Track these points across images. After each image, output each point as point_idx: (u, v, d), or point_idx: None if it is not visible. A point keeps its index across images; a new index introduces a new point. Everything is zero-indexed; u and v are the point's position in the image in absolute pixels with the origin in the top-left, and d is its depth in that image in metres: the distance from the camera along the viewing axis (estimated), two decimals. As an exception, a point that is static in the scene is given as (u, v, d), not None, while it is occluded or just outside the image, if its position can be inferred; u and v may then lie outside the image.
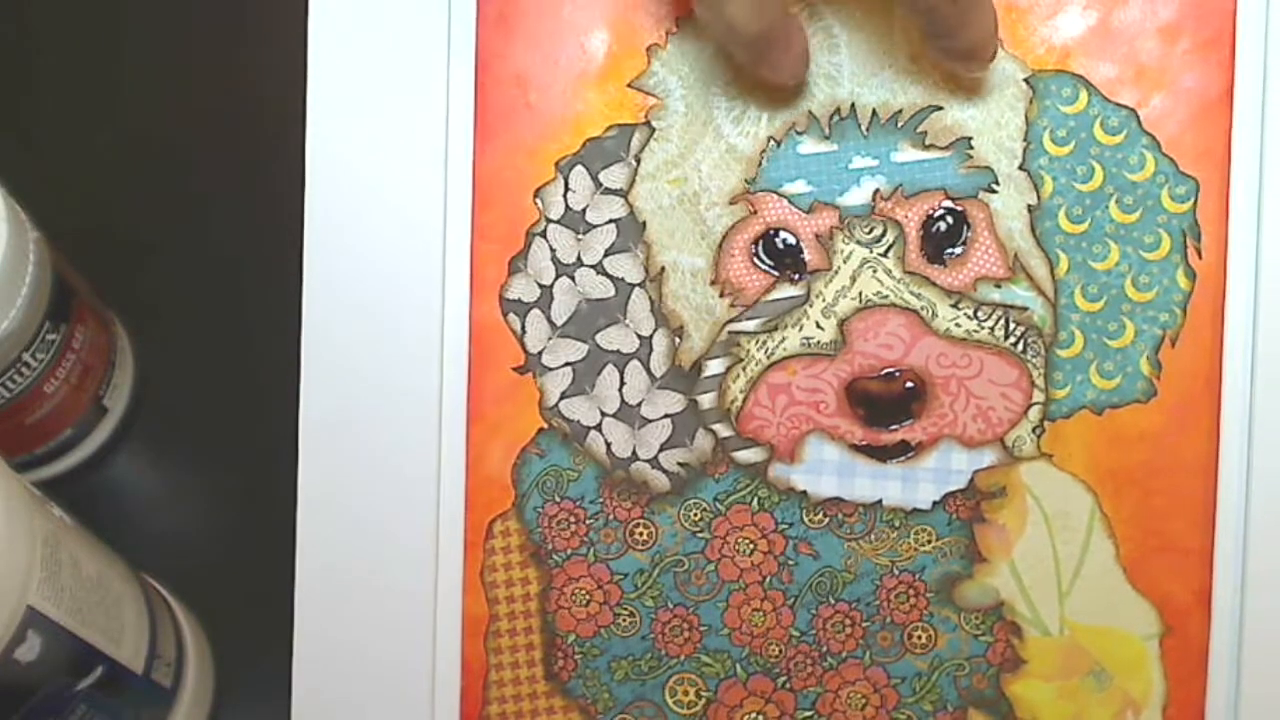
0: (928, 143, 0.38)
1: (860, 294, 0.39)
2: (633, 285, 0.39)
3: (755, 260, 0.39)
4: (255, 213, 0.45)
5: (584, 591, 0.40)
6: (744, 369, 0.39)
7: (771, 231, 0.39)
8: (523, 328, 0.40)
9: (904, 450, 0.39)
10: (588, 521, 0.40)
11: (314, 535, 0.39)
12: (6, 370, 0.41)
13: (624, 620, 0.40)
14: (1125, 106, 0.38)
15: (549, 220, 0.40)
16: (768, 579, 0.39)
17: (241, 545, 0.44)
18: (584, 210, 0.40)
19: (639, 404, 0.40)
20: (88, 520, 0.39)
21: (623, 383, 0.40)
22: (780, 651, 0.39)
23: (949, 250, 0.39)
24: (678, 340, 0.39)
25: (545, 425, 0.40)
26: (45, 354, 0.41)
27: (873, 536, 0.39)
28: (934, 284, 0.39)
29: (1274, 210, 0.37)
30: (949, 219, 0.39)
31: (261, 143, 0.44)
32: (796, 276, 0.39)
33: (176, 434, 0.45)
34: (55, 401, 0.43)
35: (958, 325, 0.39)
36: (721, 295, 0.39)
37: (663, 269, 0.39)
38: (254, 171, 0.46)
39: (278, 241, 0.40)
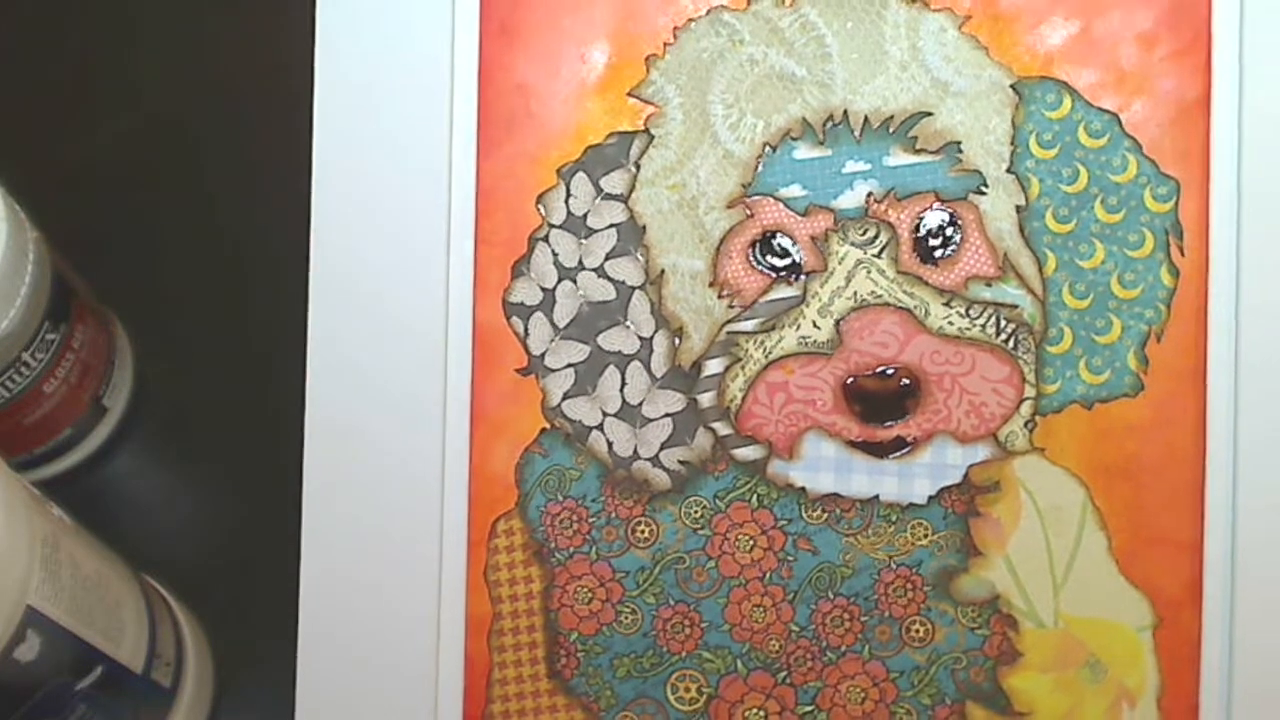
0: (918, 147, 0.40)
1: (855, 294, 0.40)
2: (633, 288, 0.40)
3: (753, 262, 0.40)
4: (256, 213, 0.45)
5: (586, 589, 0.40)
6: (743, 368, 0.40)
7: (768, 234, 0.40)
8: (525, 330, 0.40)
9: (900, 446, 0.40)
10: (590, 520, 0.40)
11: (318, 534, 0.40)
12: (6, 370, 0.41)
13: (626, 618, 0.40)
14: (1107, 111, 0.39)
15: (551, 225, 0.40)
16: (767, 575, 0.40)
17: (242, 545, 0.44)
18: (585, 215, 0.40)
19: (640, 404, 0.40)
20: (88, 520, 0.39)
21: (624, 383, 0.40)
22: (780, 647, 0.40)
23: (940, 251, 0.40)
24: (678, 341, 0.40)
25: (548, 425, 0.40)
26: (44, 354, 0.41)
27: (870, 531, 0.40)
28: (926, 283, 0.40)
29: (1253, 208, 0.39)
30: (940, 220, 0.40)
31: (264, 144, 0.45)
32: (793, 278, 0.40)
33: (176, 434, 0.45)
34: (55, 401, 0.43)
35: (950, 323, 0.40)
36: (720, 296, 0.40)
37: (663, 271, 0.40)
38: (256, 172, 0.46)
39: (279, 242, 0.41)
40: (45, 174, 0.46)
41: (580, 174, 0.40)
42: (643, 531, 0.40)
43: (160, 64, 0.47)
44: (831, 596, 0.40)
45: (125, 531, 0.42)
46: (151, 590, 0.41)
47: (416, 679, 0.39)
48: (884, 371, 0.40)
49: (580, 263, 0.40)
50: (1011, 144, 0.40)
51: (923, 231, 0.40)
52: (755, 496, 0.40)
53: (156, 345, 0.46)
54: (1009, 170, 0.40)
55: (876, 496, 0.40)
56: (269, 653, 0.40)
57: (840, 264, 0.40)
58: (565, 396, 0.40)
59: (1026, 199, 0.40)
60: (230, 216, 0.47)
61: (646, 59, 0.40)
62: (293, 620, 0.39)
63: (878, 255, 0.40)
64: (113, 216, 0.45)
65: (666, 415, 0.40)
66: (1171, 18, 0.39)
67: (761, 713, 0.40)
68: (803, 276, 0.40)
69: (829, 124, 0.40)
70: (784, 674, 0.40)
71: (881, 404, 0.40)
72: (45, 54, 0.49)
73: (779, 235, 0.40)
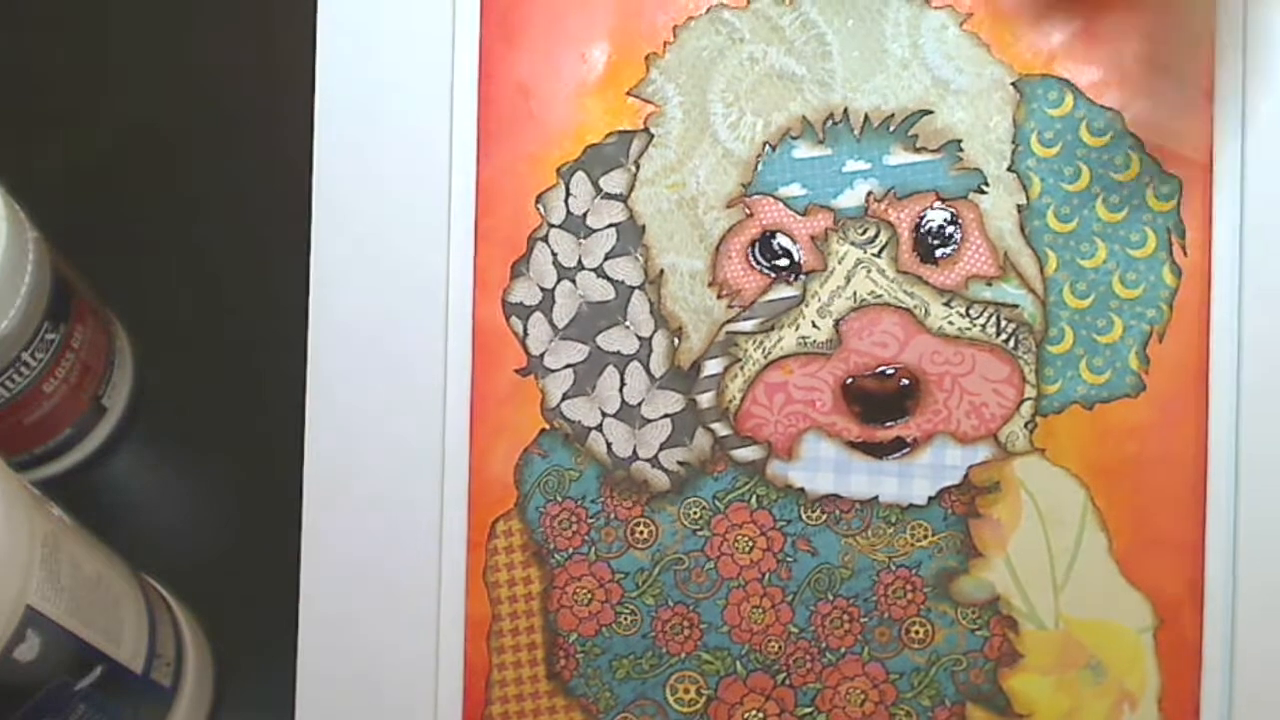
0: (919, 146, 0.40)
1: (855, 294, 0.40)
2: (633, 288, 0.40)
3: (752, 262, 0.40)
4: (256, 214, 0.45)
5: (585, 590, 0.40)
6: (742, 369, 0.40)
7: (768, 234, 0.40)
8: (525, 330, 0.40)
9: (899, 447, 0.39)
10: (589, 521, 0.40)
11: (318, 535, 0.40)
12: (6, 370, 0.41)
13: (625, 619, 0.40)
14: (1110, 109, 0.39)
15: (551, 225, 0.40)
16: (767, 576, 0.40)
17: (241, 545, 0.44)
18: (585, 215, 0.40)
19: (639, 404, 0.40)
20: (88, 520, 0.39)
21: (623, 383, 0.40)
22: (780, 648, 0.40)
23: (941, 250, 0.40)
24: (677, 341, 0.40)
25: (547, 426, 0.40)
26: (44, 353, 0.42)
27: (870, 532, 0.40)
28: (927, 283, 0.39)
29: (1255, 207, 0.38)
30: (940, 219, 0.40)
31: (263, 144, 0.45)
32: (792, 277, 0.40)
33: (176, 434, 0.45)
34: (54, 401, 0.43)
35: (950, 323, 0.39)
36: (719, 296, 0.40)
37: (662, 271, 0.40)
38: (255, 173, 0.46)
39: (279, 242, 0.41)
40: (45, 174, 0.46)
41: (580, 173, 0.40)
42: (642, 532, 0.40)
43: (162, 63, 0.47)
44: (831, 598, 0.40)
45: (125, 531, 0.42)
46: (151, 590, 0.41)
47: (416, 680, 0.39)
48: (884, 372, 0.39)
49: (579, 262, 0.40)
50: (1013, 142, 0.39)
51: (923, 231, 0.40)
52: (754, 497, 0.40)
53: (156, 345, 0.46)
54: (1010, 169, 0.39)
55: (876, 497, 0.40)
56: (269, 653, 0.40)
57: (840, 264, 0.40)
58: (564, 397, 0.40)
59: (1028, 198, 0.39)
60: (230, 216, 0.47)
61: (646, 58, 0.40)
62: (293, 620, 0.39)
63: (877, 255, 0.40)
64: (112, 216, 0.45)
65: (665, 416, 0.40)
66: (1174, 15, 0.39)
67: (761, 714, 0.40)
68: (802, 276, 0.40)
69: (829, 123, 0.40)
70: (783, 675, 0.40)
71: (881, 404, 0.39)
72: (45, 54, 0.49)
73: (778, 235, 0.40)
